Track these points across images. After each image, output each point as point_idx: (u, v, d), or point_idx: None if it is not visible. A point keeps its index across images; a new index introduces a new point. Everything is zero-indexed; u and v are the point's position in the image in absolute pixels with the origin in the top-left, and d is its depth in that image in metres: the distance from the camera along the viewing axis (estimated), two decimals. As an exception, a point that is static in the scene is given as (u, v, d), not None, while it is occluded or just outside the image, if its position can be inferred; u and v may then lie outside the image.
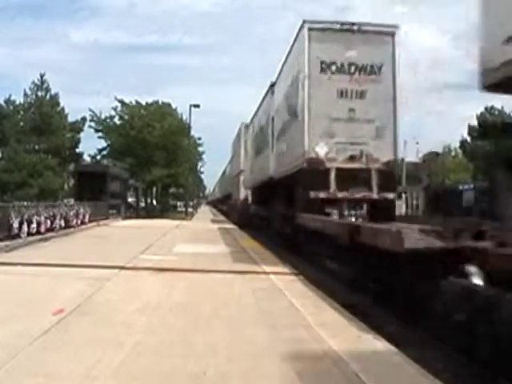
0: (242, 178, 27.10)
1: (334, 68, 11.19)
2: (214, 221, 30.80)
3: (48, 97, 39.92)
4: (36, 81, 39.76)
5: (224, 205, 46.70)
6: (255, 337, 4.49)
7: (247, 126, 25.66)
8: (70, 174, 37.79)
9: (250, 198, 24.79)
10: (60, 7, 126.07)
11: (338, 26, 11.37)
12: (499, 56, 3.46)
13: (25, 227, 12.59)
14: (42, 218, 13.85)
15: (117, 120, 36.42)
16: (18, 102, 40.23)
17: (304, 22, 11.33)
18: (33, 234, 12.96)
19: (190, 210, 40.15)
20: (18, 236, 12.20)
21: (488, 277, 4.62)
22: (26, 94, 39.74)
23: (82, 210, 18.23)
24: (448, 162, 51.21)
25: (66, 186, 40.42)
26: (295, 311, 5.56)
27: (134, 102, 36.95)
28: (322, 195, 10.75)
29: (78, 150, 41.65)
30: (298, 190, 11.72)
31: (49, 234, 13.92)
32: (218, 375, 3.49)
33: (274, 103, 15.95)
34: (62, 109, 40.82)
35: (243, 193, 26.81)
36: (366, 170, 10.97)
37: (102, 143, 36.93)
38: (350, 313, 5.48)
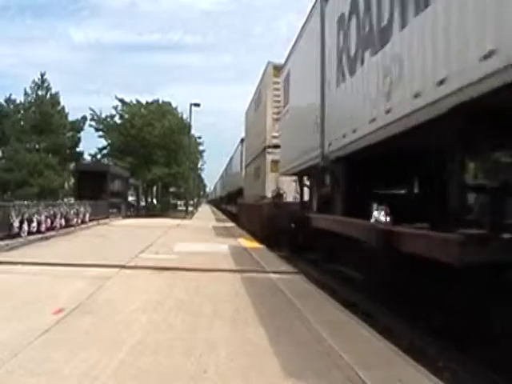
0: (269, 158, 16.81)
1: None
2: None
3: (48, 96, 39.87)
4: (36, 80, 39.75)
5: (230, 204, 35.58)
6: (255, 336, 4.49)
7: (277, 68, 16.19)
8: (70, 173, 37.78)
9: (293, 194, 15.10)
10: (61, 7, 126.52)
11: None
12: None
13: (25, 226, 12.60)
14: (43, 217, 13.86)
15: (117, 119, 36.51)
16: (18, 101, 40.24)
17: None
18: (33, 233, 12.97)
19: (190, 208, 40.17)
20: (18, 235, 12.21)
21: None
22: (26, 93, 39.73)
23: (82, 209, 18.23)
24: None
25: (66, 185, 40.37)
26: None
27: (134, 101, 37.01)
28: None
29: (78, 149, 41.61)
30: None
31: (49, 233, 13.92)
32: (218, 374, 3.49)
33: None
34: (63, 108, 40.78)
35: (272, 185, 16.34)
36: None
37: (103, 142, 37.03)
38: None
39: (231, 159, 38.38)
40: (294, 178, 13.95)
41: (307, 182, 12.67)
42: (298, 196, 13.72)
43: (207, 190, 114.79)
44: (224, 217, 35.64)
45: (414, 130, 5.46)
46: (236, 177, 31.21)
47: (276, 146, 16.08)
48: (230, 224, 24.34)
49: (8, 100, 40.18)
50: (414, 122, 5.40)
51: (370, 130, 6.68)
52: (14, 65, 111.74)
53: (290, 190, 15.29)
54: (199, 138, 45.68)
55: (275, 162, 16.18)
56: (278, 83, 15.94)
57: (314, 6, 10.49)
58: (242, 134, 28.78)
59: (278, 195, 15.56)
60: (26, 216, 12.79)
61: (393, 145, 6.43)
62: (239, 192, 26.99)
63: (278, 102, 15.76)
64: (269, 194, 16.22)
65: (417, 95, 5.25)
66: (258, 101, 20.10)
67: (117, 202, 27.69)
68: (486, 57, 3.98)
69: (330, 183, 9.32)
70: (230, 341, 4.31)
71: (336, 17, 8.54)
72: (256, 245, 13.32)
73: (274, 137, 16.47)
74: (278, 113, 15.82)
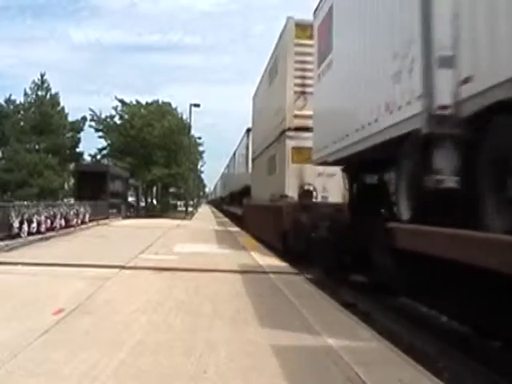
0: (290, 144, 12.82)
1: None
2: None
3: (48, 96, 39.87)
4: (36, 80, 39.75)
5: (233, 205, 31.54)
6: (255, 336, 4.49)
7: (300, 26, 12.79)
8: (70, 173, 37.81)
9: (320, 193, 12.25)
10: (61, 7, 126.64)
11: None
12: None
13: (25, 227, 12.59)
14: (43, 217, 13.85)
15: (117, 119, 36.51)
16: (18, 102, 40.24)
17: None
18: (33, 234, 12.96)
19: (190, 209, 40.15)
20: (18, 235, 12.21)
21: None
22: (26, 94, 39.72)
23: (82, 210, 18.22)
24: None
25: (66, 186, 40.40)
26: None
27: (134, 102, 37.01)
28: None
29: (78, 150, 41.60)
30: None
31: (49, 234, 13.91)
32: (218, 375, 3.49)
33: None
34: (63, 108, 40.77)
35: (294, 180, 12.50)
36: None
37: (102, 143, 37.04)
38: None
39: (234, 154, 35.20)
40: (329, 169, 10.36)
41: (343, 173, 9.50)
42: (327, 195, 11.46)
43: (207, 190, 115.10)
44: (226, 219, 32.65)
45: None
46: (241, 173, 27.41)
47: (299, 129, 12.55)
48: (234, 228, 21.31)
49: (8, 100, 40.19)
50: None
51: None
52: (13, 65, 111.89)
53: (317, 187, 12.29)
54: (199, 138, 45.72)
55: (298, 150, 12.56)
56: (302, 45, 12.57)
57: None
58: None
59: (306, 193, 11.95)
60: (25, 216, 12.79)
61: None
62: (245, 191, 23.18)
63: (303, 70, 12.42)
64: (290, 192, 12.42)
65: None
66: (272, 72, 15.84)
67: (116, 203, 27.71)
68: None
69: (452, 166, 4.77)
70: (229, 341, 4.31)
71: None
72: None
73: (297, 116, 12.70)
74: (303, 85, 12.43)
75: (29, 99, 39.75)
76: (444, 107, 4.83)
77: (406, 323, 5.94)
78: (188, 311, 5.41)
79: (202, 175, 76.15)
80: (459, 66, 4.68)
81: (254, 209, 18.53)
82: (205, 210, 58.37)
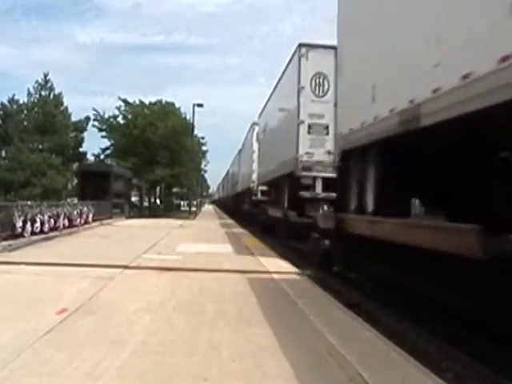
0: None
1: None
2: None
3: (52, 96, 40.00)
4: (40, 80, 39.88)
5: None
6: (258, 337, 4.49)
7: None
8: (73, 173, 37.88)
9: None
10: (66, 8, 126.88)
11: None
12: None
13: (28, 226, 12.63)
14: (46, 217, 13.88)
15: (120, 119, 36.51)
16: (21, 102, 40.39)
17: None
18: (36, 234, 12.99)
19: (193, 209, 40.18)
20: (21, 235, 12.24)
21: None
22: (29, 94, 39.88)
23: (85, 210, 18.25)
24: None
25: (69, 186, 40.49)
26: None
27: (137, 102, 37.03)
28: None
29: (81, 150, 41.80)
30: None
31: (52, 234, 13.94)
32: (222, 375, 3.49)
33: None
34: (66, 108, 40.93)
35: None
36: None
37: (106, 142, 37.08)
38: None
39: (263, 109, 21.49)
40: None
41: None
42: None
43: (210, 190, 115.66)
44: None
45: None
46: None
47: None
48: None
49: (11, 100, 40.39)
50: None
51: None
52: (18, 66, 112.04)
53: None
54: (202, 138, 45.72)
55: None
56: None
57: None
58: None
59: None
60: (29, 216, 12.82)
61: None
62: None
63: None
64: None
65: None
66: None
67: (120, 203, 27.74)
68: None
69: None
70: (233, 341, 4.31)
71: None
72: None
73: None
74: None
75: (32, 99, 39.93)
76: None
77: (409, 323, 5.91)
78: (191, 311, 5.41)
79: (206, 175, 76.27)
80: None
81: None
82: (208, 210, 58.39)
